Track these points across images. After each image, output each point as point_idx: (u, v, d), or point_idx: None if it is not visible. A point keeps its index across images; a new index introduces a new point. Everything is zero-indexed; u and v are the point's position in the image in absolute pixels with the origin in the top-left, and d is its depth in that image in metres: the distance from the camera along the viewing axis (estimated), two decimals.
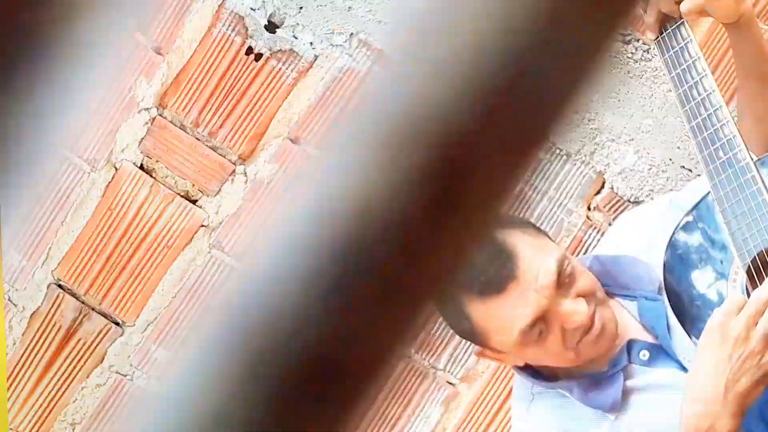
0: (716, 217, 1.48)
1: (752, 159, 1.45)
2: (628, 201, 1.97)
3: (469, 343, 1.61)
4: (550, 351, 1.48)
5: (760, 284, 1.40)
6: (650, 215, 1.70)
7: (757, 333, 1.30)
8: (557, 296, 1.44)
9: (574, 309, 1.44)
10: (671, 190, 1.95)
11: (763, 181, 1.42)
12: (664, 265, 1.54)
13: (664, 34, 1.54)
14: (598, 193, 1.99)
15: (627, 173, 1.98)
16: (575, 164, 1.99)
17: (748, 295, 1.41)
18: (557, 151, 1.98)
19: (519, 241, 1.47)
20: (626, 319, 1.58)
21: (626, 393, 1.52)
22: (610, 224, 1.96)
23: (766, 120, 1.61)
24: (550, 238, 1.55)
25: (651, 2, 1.53)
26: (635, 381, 1.53)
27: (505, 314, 1.44)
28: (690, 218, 1.54)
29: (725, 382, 1.30)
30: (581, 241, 1.97)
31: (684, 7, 1.48)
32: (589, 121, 2.00)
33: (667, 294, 1.53)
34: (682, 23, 1.52)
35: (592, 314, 1.46)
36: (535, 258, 1.45)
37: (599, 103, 2.00)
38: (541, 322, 1.44)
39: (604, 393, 1.52)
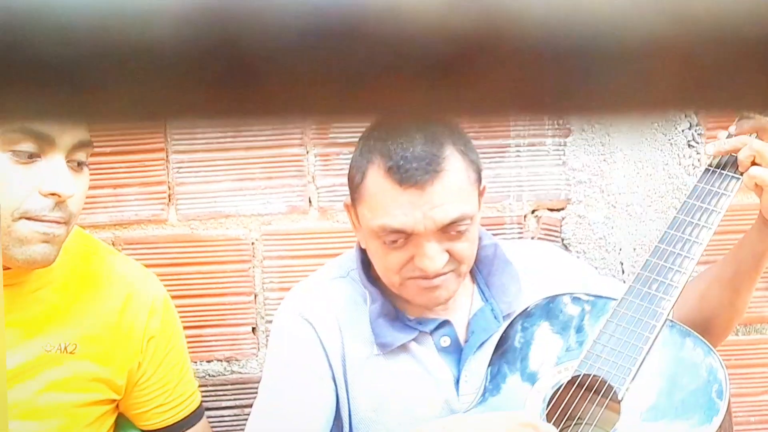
0: (599, 319, 1.48)
1: (668, 316, 1.46)
2: (561, 239, 1.98)
3: None
4: (386, 259, 1.49)
5: (566, 395, 1.43)
6: (566, 266, 1.71)
7: None
8: (433, 235, 1.45)
9: (433, 256, 1.45)
10: (596, 268, 1.96)
11: (656, 337, 1.43)
12: (529, 305, 1.56)
13: (718, 170, 1.53)
14: (552, 209, 1.99)
15: (585, 223, 1.98)
16: (562, 172, 1.98)
17: (549, 402, 1.43)
18: (562, 148, 1.97)
19: (455, 159, 1.46)
20: (464, 304, 1.61)
21: (402, 348, 1.55)
22: (532, 238, 1.98)
23: (707, 309, 1.63)
24: (479, 191, 1.53)
25: (737, 138, 1.52)
26: (417, 349, 1.56)
27: (388, 202, 1.44)
28: (584, 297, 1.56)
29: None
30: (501, 225, 1.97)
31: (752, 170, 1.48)
32: (602, 155, 1.97)
33: (507, 325, 1.55)
34: (738, 179, 1.52)
35: (441, 273, 1.47)
36: (449, 190, 1.44)
37: (622, 151, 1.98)
38: (404, 236, 1.45)
39: (390, 330, 1.54)
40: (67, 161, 1.45)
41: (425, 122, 1.49)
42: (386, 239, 1.46)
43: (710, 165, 1.55)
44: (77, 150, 1.46)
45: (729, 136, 1.55)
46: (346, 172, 1.57)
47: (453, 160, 1.45)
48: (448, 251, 1.47)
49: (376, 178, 1.46)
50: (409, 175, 1.42)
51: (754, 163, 1.49)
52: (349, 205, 1.56)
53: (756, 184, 1.49)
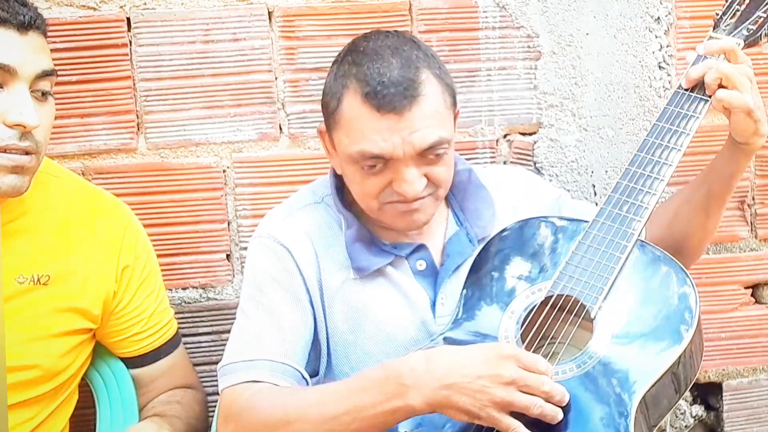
0: (572, 241, 1.50)
1: (639, 236, 1.47)
2: (534, 163, 1.99)
3: None
4: (364, 185, 1.50)
5: (540, 315, 1.44)
6: (539, 190, 1.73)
7: (512, 394, 1.30)
8: (412, 159, 1.46)
9: (412, 180, 1.46)
10: (569, 191, 1.99)
11: (627, 257, 1.45)
12: (503, 229, 1.58)
13: (687, 92, 1.55)
14: (524, 134, 2.00)
15: (557, 146, 2.00)
16: (534, 96, 1.98)
17: (523, 322, 1.45)
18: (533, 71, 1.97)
19: (431, 84, 1.46)
20: (439, 229, 1.62)
21: (378, 272, 1.57)
22: (505, 162, 1.99)
23: (679, 231, 1.66)
24: (455, 114, 1.54)
25: (704, 63, 1.54)
26: (393, 273, 1.57)
27: (366, 128, 1.45)
28: (557, 221, 1.57)
29: (454, 382, 1.30)
30: (473, 150, 1.98)
31: (719, 93, 1.50)
32: (573, 78, 1.98)
33: (482, 248, 1.57)
34: (707, 101, 1.54)
35: (420, 197, 1.49)
36: (426, 115, 1.44)
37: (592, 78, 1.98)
38: (383, 162, 1.46)
39: (366, 255, 1.56)
40: (31, 91, 1.45)
41: (399, 45, 1.50)
42: (365, 165, 1.47)
43: (679, 87, 1.57)
44: (40, 80, 1.46)
45: (697, 57, 1.57)
46: (316, 98, 1.57)
47: (429, 85, 1.46)
48: (426, 175, 1.48)
49: (352, 103, 1.45)
50: (387, 101, 1.42)
51: (721, 86, 1.51)
52: (324, 132, 1.56)
53: (724, 107, 1.51)
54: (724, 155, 1.62)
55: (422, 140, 1.44)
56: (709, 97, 1.53)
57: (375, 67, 1.45)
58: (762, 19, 1.60)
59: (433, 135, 1.45)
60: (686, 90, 1.56)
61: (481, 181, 1.65)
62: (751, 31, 1.59)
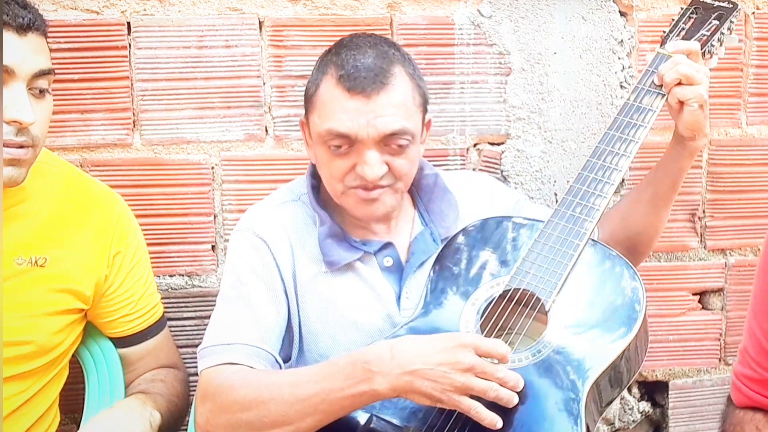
0: (529, 239, 1.58)
1: (590, 236, 1.56)
2: (501, 171, 2.06)
3: None
4: (331, 167, 1.56)
5: (498, 307, 1.52)
6: (500, 193, 1.80)
7: (470, 379, 1.35)
8: (374, 143, 1.53)
9: (373, 163, 1.53)
10: (532, 198, 2.05)
11: (578, 255, 1.54)
12: (466, 226, 1.66)
13: (636, 104, 1.65)
14: (493, 144, 2.06)
15: (523, 157, 2.06)
16: (503, 109, 2.04)
17: (483, 314, 1.51)
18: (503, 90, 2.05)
19: (402, 78, 1.54)
20: (405, 228, 1.70)
21: (348, 266, 1.63)
22: (474, 169, 2.05)
23: (630, 229, 1.75)
24: (424, 119, 1.61)
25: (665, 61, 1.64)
26: (362, 268, 1.64)
27: (336, 108, 1.52)
28: (516, 220, 1.65)
29: (417, 369, 1.36)
30: (445, 157, 2.04)
31: (677, 88, 1.61)
32: (540, 93, 2.06)
33: (446, 244, 1.65)
34: (664, 96, 1.64)
35: (379, 186, 1.56)
36: (393, 103, 1.51)
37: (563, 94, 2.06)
38: (347, 143, 1.53)
39: (337, 250, 1.63)
40: (29, 89, 1.49)
41: (378, 42, 1.56)
42: (331, 144, 1.54)
43: (628, 100, 1.66)
44: (38, 78, 1.51)
45: (657, 55, 1.66)
46: (301, 103, 1.61)
47: (400, 78, 1.54)
48: (387, 164, 1.55)
49: (328, 86, 1.54)
50: (357, 83, 1.50)
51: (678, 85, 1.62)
52: (304, 122, 1.63)
53: (678, 100, 1.62)
54: (669, 156, 1.71)
55: (386, 125, 1.51)
56: (655, 108, 1.63)
57: (351, 54, 1.53)
58: (705, 36, 1.70)
59: (396, 123, 1.51)
60: (634, 102, 1.64)
61: (447, 186, 1.71)
62: None
